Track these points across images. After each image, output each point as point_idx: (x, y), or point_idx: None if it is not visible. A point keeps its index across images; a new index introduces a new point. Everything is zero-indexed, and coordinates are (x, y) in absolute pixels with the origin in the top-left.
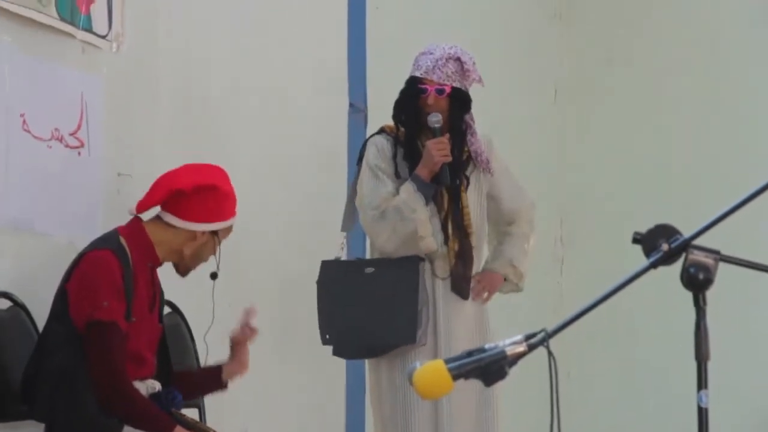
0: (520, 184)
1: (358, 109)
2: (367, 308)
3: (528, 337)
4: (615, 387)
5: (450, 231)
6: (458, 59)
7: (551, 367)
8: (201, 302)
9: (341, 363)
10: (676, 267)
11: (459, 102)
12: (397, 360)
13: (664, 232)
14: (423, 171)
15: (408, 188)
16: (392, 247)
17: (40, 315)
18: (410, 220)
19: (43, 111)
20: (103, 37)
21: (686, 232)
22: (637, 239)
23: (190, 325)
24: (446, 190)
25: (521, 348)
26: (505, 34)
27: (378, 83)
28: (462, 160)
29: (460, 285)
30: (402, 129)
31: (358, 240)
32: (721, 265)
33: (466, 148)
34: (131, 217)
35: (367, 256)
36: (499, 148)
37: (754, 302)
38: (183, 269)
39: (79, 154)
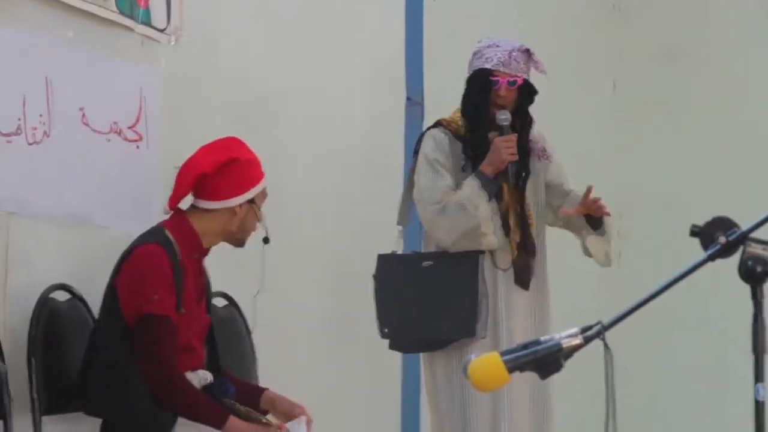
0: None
1: (414, 102)
2: (425, 301)
3: (584, 330)
4: (672, 381)
5: (511, 222)
6: (527, 51)
7: (607, 360)
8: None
9: (396, 357)
10: (734, 260)
11: (527, 94)
12: (454, 353)
13: (722, 224)
14: (488, 167)
15: (472, 184)
16: (451, 241)
17: (99, 307)
18: (473, 217)
19: (102, 105)
20: (162, 30)
21: (744, 226)
22: (695, 232)
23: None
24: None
25: (577, 341)
26: (563, 26)
27: (435, 76)
28: (525, 155)
29: (523, 276)
30: (465, 122)
31: (414, 233)
32: None
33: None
34: (167, 215)
35: (422, 249)
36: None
37: None
38: (237, 243)
39: (137, 147)
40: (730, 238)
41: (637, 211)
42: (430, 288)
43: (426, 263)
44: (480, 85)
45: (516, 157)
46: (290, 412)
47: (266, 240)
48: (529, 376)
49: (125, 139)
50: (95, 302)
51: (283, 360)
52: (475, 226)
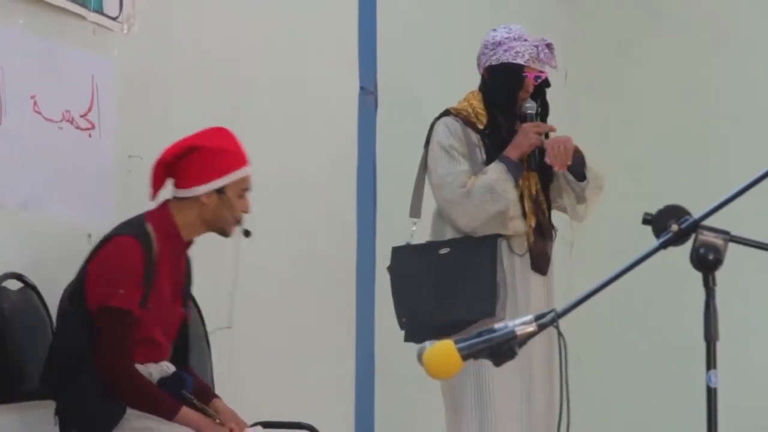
0: None
1: (368, 92)
2: (443, 287)
3: (538, 318)
4: (625, 371)
5: (526, 207)
6: (549, 45)
7: (561, 346)
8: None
9: (351, 346)
10: (687, 248)
11: (544, 86)
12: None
13: (674, 212)
14: (514, 152)
15: (498, 168)
16: (477, 224)
17: (52, 296)
18: (503, 200)
19: (54, 93)
20: (114, 18)
21: (696, 214)
22: (648, 220)
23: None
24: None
25: (531, 328)
26: (516, 16)
27: (388, 66)
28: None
29: (539, 261)
30: (489, 112)
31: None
32: (733, 246)
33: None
34: (153, 201)
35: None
36: None
37: (765, 283)
38: (219, 232)
39: (89, 135)
40: (682, 226)
41: None
42: (448, 273)
43: (443, 250)
44: (511, 80)
45: (540, 143)
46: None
47: (246, 233)
48: (544, 358)
49: (77, 127)
50: (48, 291)
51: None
52: (502, 209)
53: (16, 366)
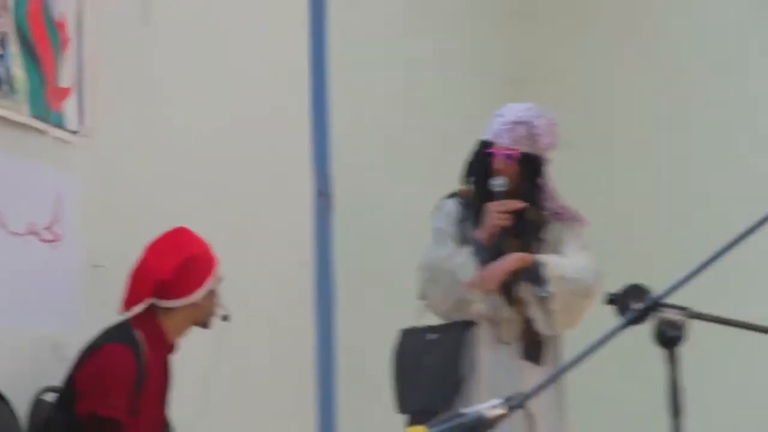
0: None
1: (323, 194)
2: (423, 375)
3: (507, 400)
4: None
5: (520, 293)
6: (527, 123)
7: (529, 426)
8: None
9: (310, 409)
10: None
11: (530, 166)
12: None
13: (635, 292)
14: (481, 234)
15: (464, 252)
16: (445, 308)
17: (21, 406)
18: (461, 284)
19: (19, 206)
20: (74, 132)
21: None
22: (612, 300)
23: None
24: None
25: (501, 410)
26: (461, 39)
27: (344, 168)
28: (535, 225)
29: (532, 350)
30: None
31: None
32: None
33: (544, 212)
34: (123, 314)
35: None
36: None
37: (727, 354)
38: (204, 325)
39: (54, 247)
40: (642, 306)
41: None
42: (429, 361)
43: (430, 336)
44: (479, 156)
45: (508, 223)
46: None
47: (226, 317)
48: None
49: (42, 239)
50: (20, 404)
51: None
52: (463, 296)
53: None
